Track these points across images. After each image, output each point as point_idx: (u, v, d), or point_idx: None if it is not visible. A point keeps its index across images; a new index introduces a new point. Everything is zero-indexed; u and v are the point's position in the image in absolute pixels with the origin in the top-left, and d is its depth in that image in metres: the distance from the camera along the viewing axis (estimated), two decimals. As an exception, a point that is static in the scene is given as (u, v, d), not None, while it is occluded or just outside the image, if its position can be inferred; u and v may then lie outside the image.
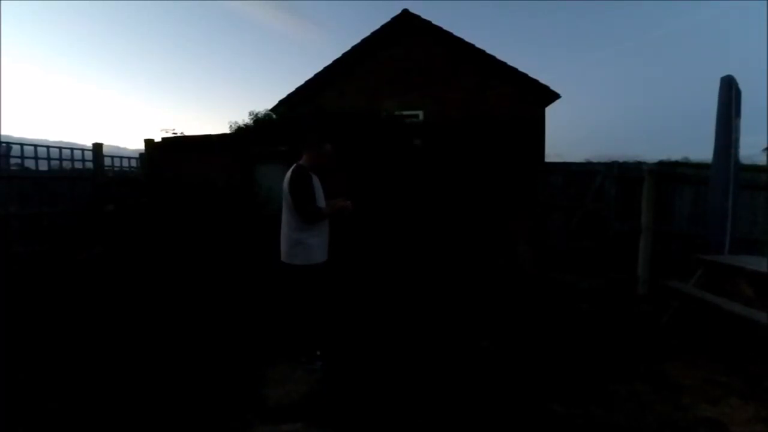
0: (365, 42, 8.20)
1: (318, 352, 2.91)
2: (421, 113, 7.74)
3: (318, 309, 2.89)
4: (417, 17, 8.01)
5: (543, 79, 7.69)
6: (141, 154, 6.69)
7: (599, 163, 5.75)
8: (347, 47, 8.30)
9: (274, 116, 6.13)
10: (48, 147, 12.98)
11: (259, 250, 3.23)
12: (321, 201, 2.88)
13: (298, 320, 2.90)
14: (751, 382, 2.74)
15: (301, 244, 2.77)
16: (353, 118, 5.33)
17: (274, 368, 2.89)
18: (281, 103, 8.39)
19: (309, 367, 2.85)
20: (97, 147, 5.78)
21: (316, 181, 2.87)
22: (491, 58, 7.79)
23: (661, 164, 6.14)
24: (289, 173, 2.84)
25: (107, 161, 12.47)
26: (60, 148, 13.70)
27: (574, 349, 3.24)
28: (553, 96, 7.73)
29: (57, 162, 12.93)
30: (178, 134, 5.98)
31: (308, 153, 2.91)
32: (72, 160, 13.58)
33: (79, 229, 5.11)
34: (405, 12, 8.01)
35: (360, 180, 5.07)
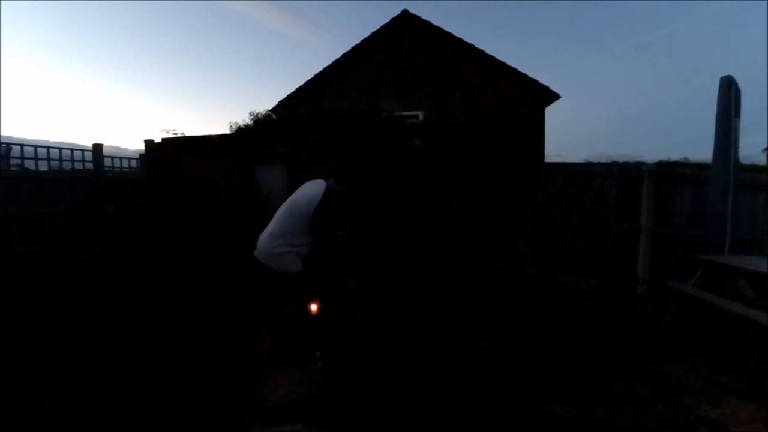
0: (365, 42, 8.20)
1: (318, 353, 2.90)
2: (421, 113, 7.74)
3: (311, 310, 2.88)
4: (417, 17, 8.01)
5: (543, 80, 7.70)
6: (141, 155, 6.69)
7: (599, 164, 5.74)
8: (347, 47, 8.30)
9: (274, 117, 6.13)
10: (48, 147, 13.00)
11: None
12: None
13: (299, 321, 2.90)
14: (751, 382, 2.73)
15: (287, 251, 2.78)
16: (353, 118, 5.33)
17: (273, 369, 2.88)
18: (281, 103, 8.39)
19: (309, 368, 2.84)
20: (97, 147, 5.78)
21: None
22: (491, 59, 7.79)
23: (661, 164, 6.14)
24: (320, 189, 2.82)
25: (107, 162, 12.49)
26: (60, 148, 13.72)
27: (574, 350, 3.24)
28: (553, 96, 7.73)
29: (57, 163, 12.93)
30: (179, 135, 5.98)
31: (337, 181, 2.91)
32: (72, 160, 13.59)
33: (78, 230, 5.11)
34: (405, 12, 8.01)
35: (360, 181, 5.07)
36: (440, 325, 3.65)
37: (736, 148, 4.12)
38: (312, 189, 2.87)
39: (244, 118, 5.84)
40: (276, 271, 2.80)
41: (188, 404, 2.45)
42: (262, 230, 2.98)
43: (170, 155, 5.96)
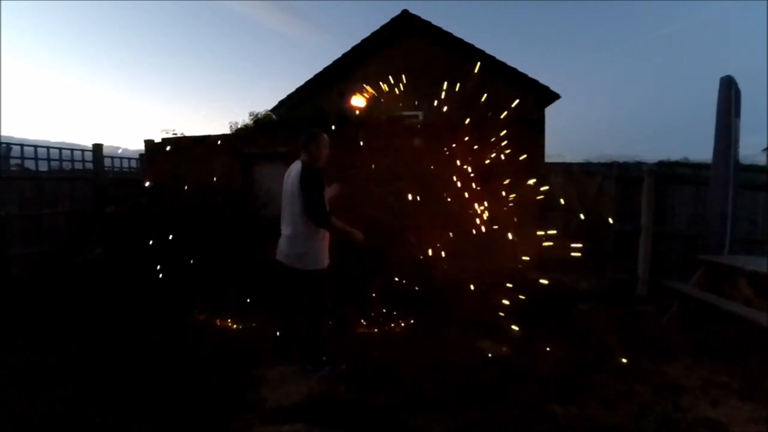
0: (365, 42, 8.19)
1: (324, 358, 2.86)
2: (421, 113, 7.73)
3: (324, 313, 2.87)
4: (417, 18, 8.01)
5: (543, 80, 7.70)
6: (141, 155, 6.68)
7: (599, 163, 5.75)
8: (347, 48, 8.29)
9: (274, 117, 6.12)
10: (48, 147, 13.01)
11: (258, 251, 3.25)
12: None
13: (306, 326, 2.88)
14: (751, 382, 2.73)
15: (310, 248, 2.72)
16: (353, 119, 5.33)
17: (273, 370, 2.89)
18: (281, 103, 8.38)
19: (318, 375, 2.78)
20: (97, 147, 5.77)
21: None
22: (491, 59, 7.78)
23: (661, 164, 6.14)
24: (297, 171, 2.73)
25: (107, 162, 12.48)
26: (60, 148, 13.73)
27: (574, 350, 3.24)
28: (553, 96, 7.72)
29: (57, 163, 12.94)
30: (178, 134, 5.98)
31: (309, 150, 2.83)
32: (72, 160, 13.59)
33: (78, 230, 5.10)
34: (405, 12, 8.00)
35: (360, 182, 5.07)
36: (440, 325, 3.65)
37: (736, 148, 4.12)
38: (293, 173, 2.81)
39: (244, 118, 5.83)
40: (300, 270, 2.75)
41: (189, 404, 2.45)
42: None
43: (170, 155, 5.94)
